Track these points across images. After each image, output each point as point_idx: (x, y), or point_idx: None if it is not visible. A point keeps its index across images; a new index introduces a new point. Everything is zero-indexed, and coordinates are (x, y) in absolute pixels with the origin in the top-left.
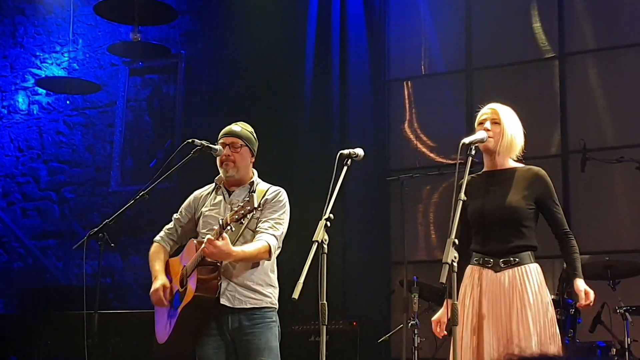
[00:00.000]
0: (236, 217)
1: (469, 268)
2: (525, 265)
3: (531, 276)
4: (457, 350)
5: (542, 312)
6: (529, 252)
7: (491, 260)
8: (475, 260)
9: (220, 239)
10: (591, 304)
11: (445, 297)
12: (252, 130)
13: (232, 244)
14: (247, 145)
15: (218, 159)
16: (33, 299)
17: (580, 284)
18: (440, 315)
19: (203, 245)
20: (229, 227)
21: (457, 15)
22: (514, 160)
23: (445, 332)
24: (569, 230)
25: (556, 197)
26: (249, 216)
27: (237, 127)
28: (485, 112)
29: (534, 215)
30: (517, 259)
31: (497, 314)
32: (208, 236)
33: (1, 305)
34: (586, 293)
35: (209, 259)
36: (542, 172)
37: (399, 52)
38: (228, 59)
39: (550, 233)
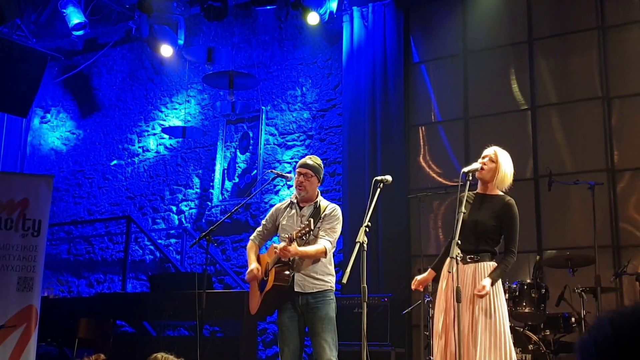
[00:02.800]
0: (299, 234)
1: (448, 259)
2: (484, 262)
3: (487, 270)
4: (462, 324)
5: (492, 293)
6: (489, 254)
7: (460, 255)
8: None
9: (291, 245)
10: (483, 296)
11: (429, 267)
12: (320, 162)
13: (302, 245)
14: (315, 175)
15: (294, 183)
16: (160, 282)
17: (485, 282)
18: (422, 277)
19: (278, 250)
20: (294, 240)
21: (456, 78)
22: (501, 191)
23: (421, 288)
24: (512, 250)
25: (517, 222)
26: (308, 235)
27: (310, 160)
28: (489, 151)
29: (499, 230)
30: (478, 257)
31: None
32: (282, 244)
33: (137, 286)
34: (483, 287)
35: (283, 259)
36: (512, 202)
37: (415, 105)
38: (294, 111)
39: (526, 236)
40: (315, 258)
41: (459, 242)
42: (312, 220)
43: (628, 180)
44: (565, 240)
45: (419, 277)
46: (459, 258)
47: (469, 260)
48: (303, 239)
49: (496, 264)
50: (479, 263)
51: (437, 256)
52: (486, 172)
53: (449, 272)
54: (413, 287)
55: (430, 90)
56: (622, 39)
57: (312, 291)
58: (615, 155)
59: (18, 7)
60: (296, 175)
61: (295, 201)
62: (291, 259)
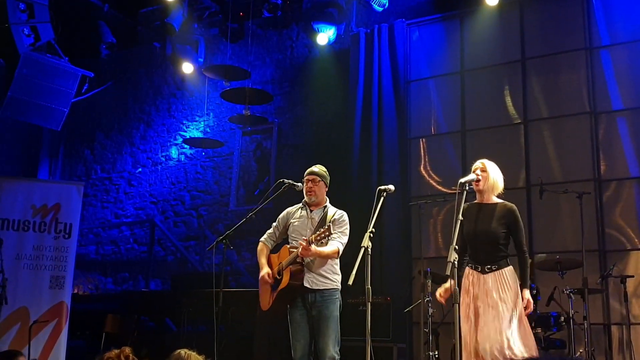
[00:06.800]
0: (318, 238)
1: (467, 269)
2: (502, 269)
3: (506, 276)
4: (461, 321)
5: (513, 297)
6: (505, 260)
7: (479, 266)
8: (470, 265)
9: (311, 246)
10: (530, 311)
11: (450, 278)
12: (326, 170)
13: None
14: (322, 181)
15: (304, 190)
16: (180, 280)
17: (525, 294)
18: (444, 288)
19: (298, 249)
20: (313, 242)
21: (454, 94)
22: (496, 197)
23: (443, 301)
24: (525, 250)
25: (521, 225)
26: (326, 240)
27: (317, 168)
28: (477, 164)
29: (507, 235)
30: (496, 266)
31: (485, 303)
32: (303, 244)
33: (160, 284)
34: (528, 302)
35: (298, 260)
36: (514, 207)
37: (416, 119)
38: (305, 124)
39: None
40: (329, 258)
41: (456, 247)
42: (331, 226)
43: (613, 189)
44: (555, 245)
45: (441, 289)
46: (455, 262)
47: (487, 270)
48: (322, 243)
49: (511, 267)
50: (498, 271)
51: (435, 258)
52: (482, 182)
53: (452, 278)
54: (438, 298)
55: (431, 105)
56: (608, 59)
57: (320, 288)
58: (602, 166)
59: (53, 27)
60: (305, 182)
61: (305, 205)
62: (305, 259)
